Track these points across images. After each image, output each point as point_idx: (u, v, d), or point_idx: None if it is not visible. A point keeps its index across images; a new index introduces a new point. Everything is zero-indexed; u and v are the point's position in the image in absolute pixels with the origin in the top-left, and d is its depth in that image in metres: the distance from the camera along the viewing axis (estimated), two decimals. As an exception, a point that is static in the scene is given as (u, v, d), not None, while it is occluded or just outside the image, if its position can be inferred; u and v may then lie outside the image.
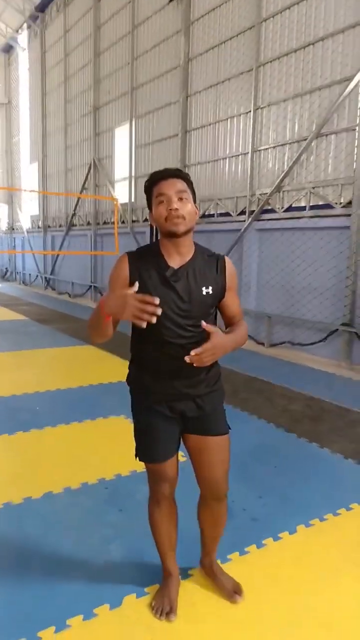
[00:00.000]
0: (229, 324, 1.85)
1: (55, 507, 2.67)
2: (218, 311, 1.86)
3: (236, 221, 8.21)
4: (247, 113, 7.99)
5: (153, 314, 1.44)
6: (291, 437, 3.76)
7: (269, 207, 7.60)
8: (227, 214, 8.46)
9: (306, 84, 6.94)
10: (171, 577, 2.01)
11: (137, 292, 1.60)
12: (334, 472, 3.20)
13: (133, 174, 11.28)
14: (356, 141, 6.19)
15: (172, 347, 1.71)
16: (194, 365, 1.55)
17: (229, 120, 8.44)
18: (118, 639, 1.79)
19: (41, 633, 1.80)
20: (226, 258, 1.81)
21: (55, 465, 3.19)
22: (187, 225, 1.67)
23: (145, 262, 1.72)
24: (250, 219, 7.84)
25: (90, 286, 13.10)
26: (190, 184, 1.71)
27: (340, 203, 6.44)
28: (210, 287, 1.73)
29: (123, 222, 11.48)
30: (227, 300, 1.82)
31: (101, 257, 12.84)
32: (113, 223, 11.77)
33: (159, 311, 1.45)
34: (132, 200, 11.32)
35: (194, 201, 1.73)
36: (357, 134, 6.18)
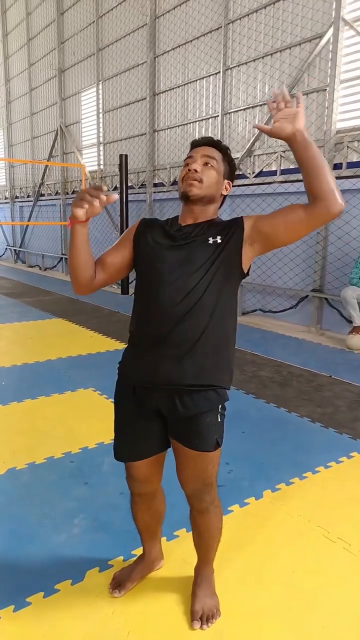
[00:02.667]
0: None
1: (18, 483, 2.60)
2: (274, 235, 1.46)
3: (207, 188, 8.02)
4: (216, 74, 7.72)
5: (96, 196, 1.33)
6: (259, 403, 3.76)
7: (240, 173, 7.44)
8: (198, 181, 8.26)
9: (276, 42, 6.71)
10: (142, 558, 1.92)
11: (135, 250, 1.56)
12: (301, 436, 3.21)
13: (101, 140, 10.89)
14: (326, 102, 6.05)
15: (160, 315, 1.45)
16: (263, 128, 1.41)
17: (198, 81, 8.14)
18: (79, 614, 1.75)
19: (0, 612, 1.75)
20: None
21: (19, 441, 3.11)
22: (202, 190, 1.49)
23: (156, 224, 1.60)
24: (221, 185, 7.67)
25: (62, 258, 12.80)
26: (227, 157, 1.58)
27: (311, 167, 6.33)
28: (219, 237, 1.48)
29: (92, 190, 11.12)
30: (270, 221, 1.45)
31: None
32: (82, 192, 11.41)
33: (103, 191, 1.34)
34: (101, 167, 10.97)
35: (228, 177, 1.58)
36: (327, 94, 6.03)
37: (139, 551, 2.05)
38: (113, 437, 1.68)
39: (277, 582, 1.91)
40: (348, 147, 5.89)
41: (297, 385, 4.16)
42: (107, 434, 3.10)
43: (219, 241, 1.47)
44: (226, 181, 1.58)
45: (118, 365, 1.65)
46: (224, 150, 1.57)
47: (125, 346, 1.64)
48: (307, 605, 1.81)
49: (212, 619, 1.70)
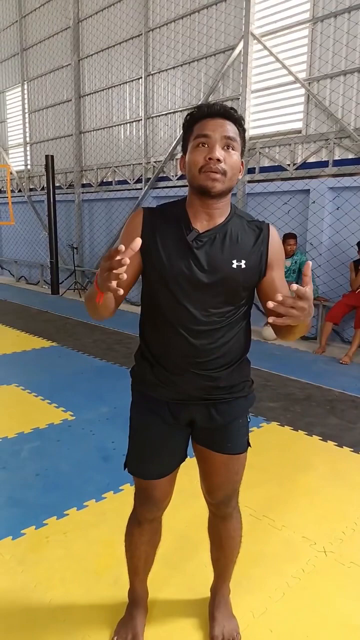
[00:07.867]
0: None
1: None
2: (259, 300, 1.40)
3: (134, 189, 8.28)
4: (138, 79, 7.98)
5: (120, 265, 1.02)
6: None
7: (164, 175, 7.74)
8: (125, 182, 8.49)
9: (193, 52, 7.07)
10: (138, 606, 1.68)
11: (148, 259, 1.31)
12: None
13: (28, 140, 10.83)
14: (240, 110, 6.47)
15: (185, 334, 1.33)
16: (271, 322, 1.12)
17: (121, 85, 8.37)
18: (-9, 576, 1.94)
19: None
20: (271, 227, 1.38)
21: None
22: (225, 184, 1.26)
23: (165, 222, 1.34)
24: (147, 187, 7.95)
25: (-10, 259, 12.56)
26: (243, 130, 1.29)
27: (228, 171, 6.73)
28: (244, 261, 1.31)
29: (20, 190, 11.05)
30: (271, 283, 1.36)
31: (-1, 229, 12.32)
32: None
33: (126, 261, 1.02)
34: (28, 167, 10.90)
35: (242, 154, 1.30)
36: (240, 102, 6.46)
37: (51, 520, 2.27)
38: (128, 456, 1.51)
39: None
40: (260, 152, 6.34)
41: (269, 390, 4.23)
42: (27, 425, 3.27)
43: (243, 266, 1.32)
44: (241, 160, 1.32)
45: (133, 381, 1.50)
46: (241, 125, 1.29)
47: (138, 359, 1.49)
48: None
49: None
